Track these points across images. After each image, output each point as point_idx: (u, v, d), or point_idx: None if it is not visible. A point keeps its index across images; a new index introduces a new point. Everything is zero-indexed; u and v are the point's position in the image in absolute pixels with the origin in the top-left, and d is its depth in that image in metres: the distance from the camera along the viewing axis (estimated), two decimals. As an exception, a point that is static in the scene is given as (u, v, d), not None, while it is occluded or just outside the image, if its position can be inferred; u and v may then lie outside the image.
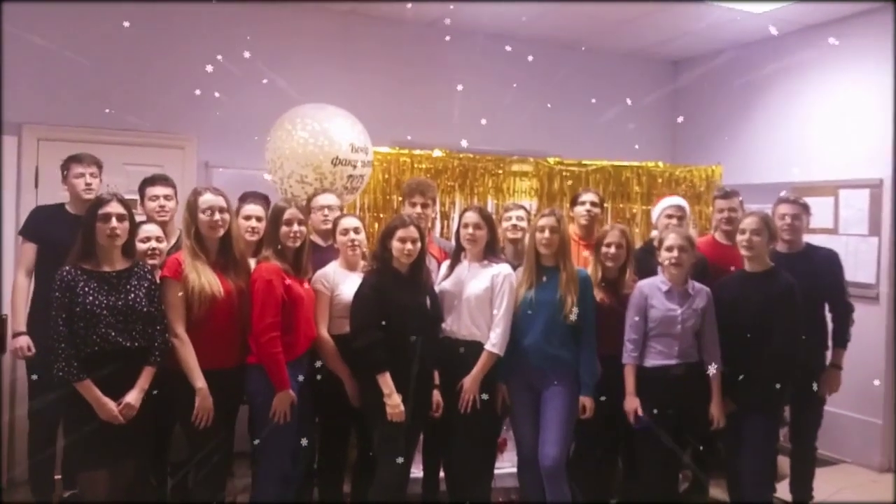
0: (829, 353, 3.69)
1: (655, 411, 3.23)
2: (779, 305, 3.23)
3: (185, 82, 4.60)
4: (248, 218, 3.28)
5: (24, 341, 3.34)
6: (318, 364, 3.20)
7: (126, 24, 4.31)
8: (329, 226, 3.47)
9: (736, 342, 3.27)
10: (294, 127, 3.90)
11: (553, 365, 3.24)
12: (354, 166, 3.95)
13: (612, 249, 3.44)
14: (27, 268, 3.41)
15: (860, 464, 4.74)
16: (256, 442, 3.05)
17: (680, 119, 5.30)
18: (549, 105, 5.78)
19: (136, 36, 4.46)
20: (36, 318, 3.32)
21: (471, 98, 5.36)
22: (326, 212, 3.52)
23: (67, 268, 2.78)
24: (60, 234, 3.22)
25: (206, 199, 2.98)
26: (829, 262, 3.67)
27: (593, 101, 5.57)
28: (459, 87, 4.90)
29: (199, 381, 2.87)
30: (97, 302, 2.76)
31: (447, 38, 5.37)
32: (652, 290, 3.35)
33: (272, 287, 2.99)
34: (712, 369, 3.25)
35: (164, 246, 3.28)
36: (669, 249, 3.30)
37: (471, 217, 3.35)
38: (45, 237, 3.39)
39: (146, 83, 4.51)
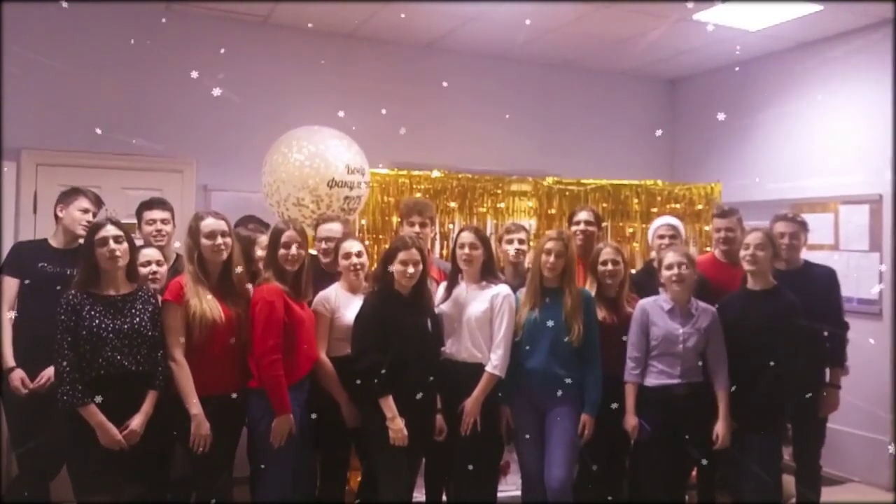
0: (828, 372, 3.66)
1: (657, 430, 3.22)
2: (781, 324, 3.21)
3: (184, 106, 4.62)
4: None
5: (20, 374, 3.21)
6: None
7: (124, 44, 4.36)
8: (330, 258, 3.45)
9: (738, 360, 3.25)
10: (290, 150, 3.90)
11: (557, 386, 3.21)
12: (351, 188, 3.94)
13: (609, 267, 3.44)
14: (9, 303, 3.28)
15: (868, 482, 4.68)
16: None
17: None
18: (547, 125, 5.80)
19: (134, 60, 4.50)
20: (21, 353, 3.22)
21: (469, 119, 5.39)
22: (325, 244, 3.48)
23: (73, 291, 2.78)
24: (44, 269, 3.25)
25: (208, 223, 2.97)
26: (826, 281, 3.66)
27: (591, 120, 5.59)
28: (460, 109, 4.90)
29: (195, 407, 2.84)
30: (103, 325, 2.75)
31: (445, 59, 5.41)
32: (654, 308, 3.34)
33: (274, 309, 2.97)
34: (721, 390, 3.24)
35: (164, 269, 3.27)
36: (669, 267, 3.30)
37: (466, 237, 3.33)
38: (28, 272, 3.27)
39: (145, 107, 4.53)
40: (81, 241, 3.22)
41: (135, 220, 3.57)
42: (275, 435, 2.95)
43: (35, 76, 4.23)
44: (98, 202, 3.46)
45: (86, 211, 3.38)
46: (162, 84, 4.57)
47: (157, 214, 3.52)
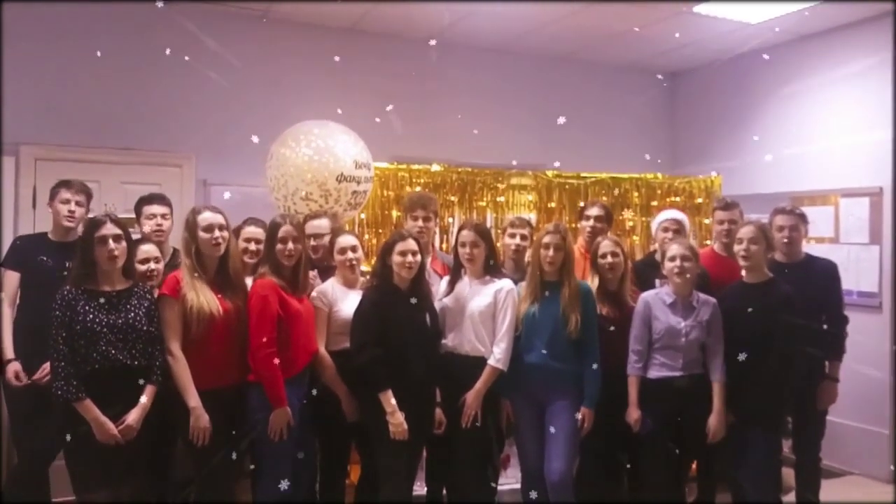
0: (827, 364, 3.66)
1: (659, 422, 3.22)
2: (777, 316, 3.21)
3: (183, 101, 4.61)
4: (248, 240, 3.28)
5: (15, 367, 3.24)
6: (314, 391, 3.18)
7: (123, 39, 4.34)
8: (319, 254, 3.46)
9: (735, 353, 3.24)
10: (298, 144, 3.86)
11: (557, 380, 3.22)
12: (358, 182, 3.93)
13: (609, 259, 3.43)
14: (9, 296, 3.32)
15: (868, 475, 4.69)
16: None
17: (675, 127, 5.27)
18: (547, 118, 5.78)
19: (133, 55, 4.48)
20: (21, 346, 3.26)
21: (469, 112, 5.38)
22: (313, 241, 3.46)
23: (68, 287, 2.78)
24: (43, 262, 3.28)
25: (205, 216, 2.98)
26: (827, 274, 3.65)
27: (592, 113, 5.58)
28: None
29: (193, 400, 2.85)
30: (97, 320, 2.75)
31: (444, 53, 5.39)
32: (656, 301, 3.34)
33: (267, 303, 2.98)
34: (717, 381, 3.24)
35: (160, 266, 3.25)
36: (672, 259, 3.29)
37: (467, 236, 3.32)
38: (28, 265, 3.32)
39: (144, 102, 4.51)
40: (77, 232, 3.26)
41: (133, 215, 3.56)
42: (272, 428, 2.96)
43: (34, 71, 4.22)
44: (81, 189, 3.46)
45: (67, 201, 3.39)
46: (161, 79, 4.56)
47: (156, 209, 3.52)
